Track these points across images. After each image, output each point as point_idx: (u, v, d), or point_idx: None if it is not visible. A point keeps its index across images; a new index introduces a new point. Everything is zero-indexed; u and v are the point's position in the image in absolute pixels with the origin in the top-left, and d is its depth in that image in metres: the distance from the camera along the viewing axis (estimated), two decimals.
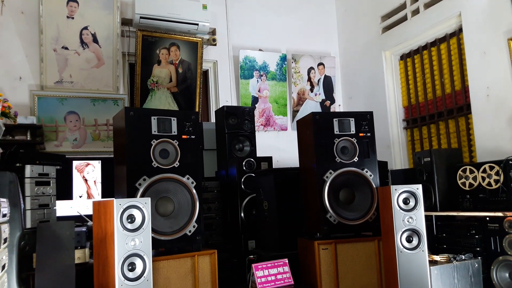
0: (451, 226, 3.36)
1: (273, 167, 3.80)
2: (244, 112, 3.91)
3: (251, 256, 3.32)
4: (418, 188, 2.64)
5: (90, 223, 3.74)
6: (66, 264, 2.10)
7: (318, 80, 5.51)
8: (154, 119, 2.47)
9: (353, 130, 2.92)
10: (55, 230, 2.06)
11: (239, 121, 3.87)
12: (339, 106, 5.64)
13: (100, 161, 4.06)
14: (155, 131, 2.46)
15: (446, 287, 2.83)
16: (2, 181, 1.83)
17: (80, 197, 3.93)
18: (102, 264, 2.07)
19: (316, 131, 2.84)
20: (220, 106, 4.97)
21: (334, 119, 2.89)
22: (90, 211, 3.89)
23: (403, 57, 4.80)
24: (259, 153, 4.13)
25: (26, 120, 3.74)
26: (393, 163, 4.70)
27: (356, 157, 2.89)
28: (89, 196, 3.96)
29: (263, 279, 2.60)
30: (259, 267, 2.63)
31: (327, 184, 2.78)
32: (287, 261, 2.73)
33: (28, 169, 2.90)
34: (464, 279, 2.93)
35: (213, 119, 4.88)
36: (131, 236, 2.01)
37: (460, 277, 2.91)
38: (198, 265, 2.46)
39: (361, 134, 2.93)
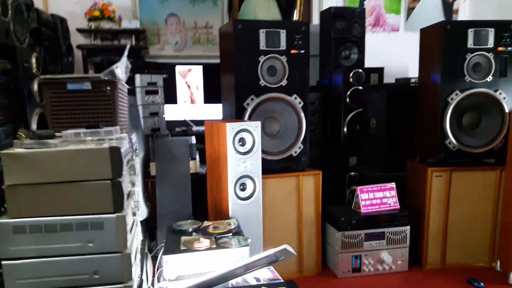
0: None
1: (380, 67, 3.44)
2: (354, 13, 3.50)
3: (352, 173, 3.24)
4: None
5: (194, 128, 3.90)
6: (182, 174, 2.20)
7: None
8: (263, 32, 2.27)
9: (491, 43, 2.45)
10: (171, 147, 2.13)
11: (347, 25, 3.49)
12: (464, 1, 4.81)
13: (201, 66, 4.06)
14: (263, 46, 2.29)
15: None
16: None
17: (184, 102, 4.05)
18: (216, 182, 2.13)
19: (445, 44, 2.43)
20: (324, 1, 4.53)
21: (470, 30, 2.43)
22: (193, 116, 4.04)
23: None
24: (365, 58, 3.75)
25: (130, 25, 3.76)
26: None
27: (490, 76, 2.47)
28: (192, 101, 4.06)
29: (367, 202, 2.53)
30: (364, 189, 2.55)
31: (451, 107, 2.45)
32: (394, 186, 2.60)
33: (138, 78, 2.99)
34: None
35: (315, 19, 4.49)
36: (242, 159, 2.01)
37: None
38: (302, 185, 2.44)
39: (500, 48, 2.46)
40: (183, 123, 4.01)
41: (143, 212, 1.89)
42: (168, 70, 3.92)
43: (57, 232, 1.14)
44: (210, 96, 4.03)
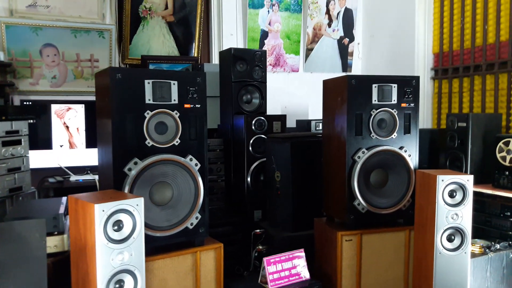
0: (481, 202, 3.03)
1: (282, 114, 3.26)
2: (255, 56, 3.27)
3: (258, 231, 2.93)
4: (468, 180, 2.18)
5: (72, 178, 3.30)
6: (36, 271, 1.65)
7: (338, 14, 4.76)
8: (149, 83, 1.87)
9: (394, 99, 2.37)
10: (21, 232, 1.59)
11: (248, 68, 3.25)
12: (358, 44, 4.96)
13: (83, 105, 3.50)
14: (149, 100, 1.88)
15: (478, 281, 2.51)
16: None
17: (61, 146, 3.43)
18: (82, 279, 1.63)
19: (350, 99, 2.28)
20: (224, 40, 4.29)
21: (374, 85, 2.31)
22: (73, 163, 3.43)
23: None
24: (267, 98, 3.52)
25: None
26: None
27: (395, 133, 2.37)
28: (71, 145, 3.46)
29: (275, 275, 2.22)
30: (271, 261, 2.24)
31: (359, 166, 2.29)
32: (303, 254, 2.33)
33: None
34: (497, 271, 2.61)
35: (214, 57, 4.22)
36: (118, 249, 1.55)
37: (493, 269, 2.59)
38: (201, 262, 2.05)
39: (403, 105, 2.39)
40: (60, 171, 3.37)
41: None
42: (41, 110, 3.30)
43: None
44: (94, 139, 3.47)
